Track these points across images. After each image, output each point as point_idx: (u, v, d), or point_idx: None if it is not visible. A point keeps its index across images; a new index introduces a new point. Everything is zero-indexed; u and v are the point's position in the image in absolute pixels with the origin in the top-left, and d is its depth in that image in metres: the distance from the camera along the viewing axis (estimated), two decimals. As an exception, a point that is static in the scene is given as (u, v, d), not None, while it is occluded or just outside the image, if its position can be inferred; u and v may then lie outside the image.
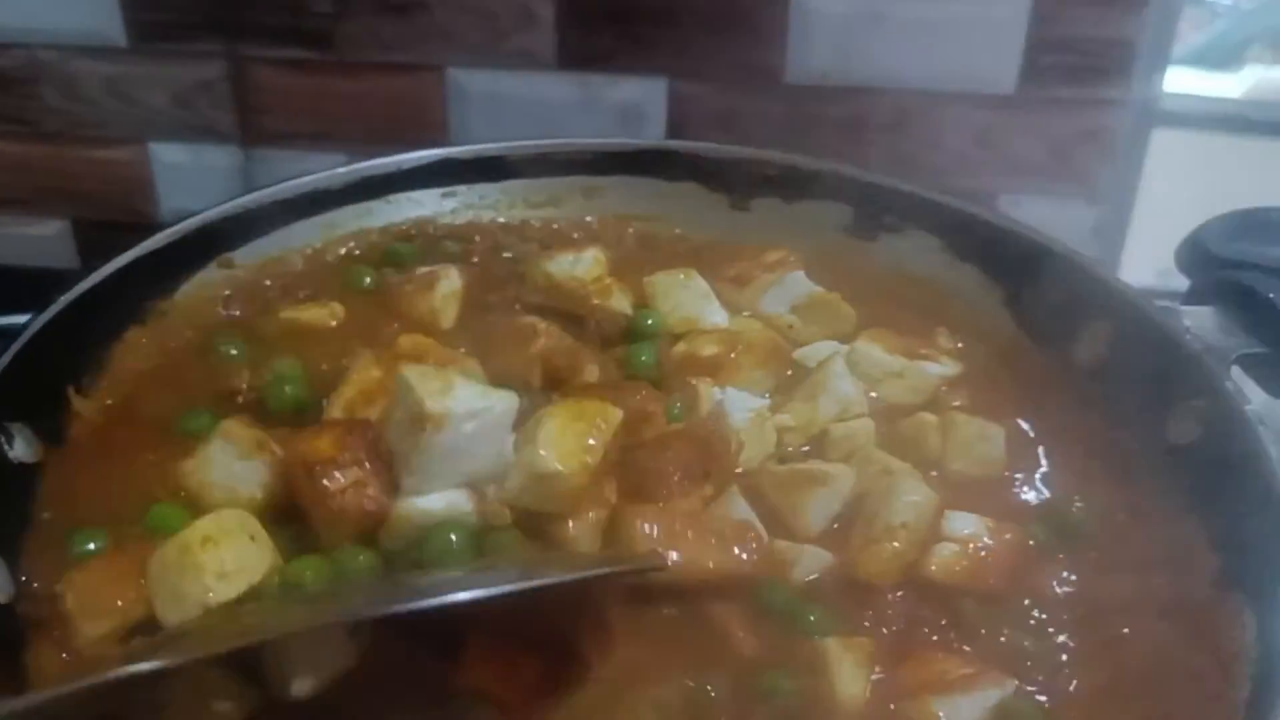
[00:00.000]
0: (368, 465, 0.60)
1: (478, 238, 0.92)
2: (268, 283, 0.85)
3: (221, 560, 0.56)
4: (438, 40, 1.27)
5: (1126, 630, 0.63)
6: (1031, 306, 0.83)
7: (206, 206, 1.34)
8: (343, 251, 0.88)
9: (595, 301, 0.81)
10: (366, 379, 0.69)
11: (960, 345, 0.82)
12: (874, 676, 0.59)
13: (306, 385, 0.72)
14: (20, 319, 1.18)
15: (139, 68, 1.33)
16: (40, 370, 0.69)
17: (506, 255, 0.91)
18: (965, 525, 0.65)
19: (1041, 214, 1.28)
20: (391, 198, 0.92)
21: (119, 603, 0.57)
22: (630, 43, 1.25)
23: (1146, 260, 1.32)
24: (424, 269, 0.83)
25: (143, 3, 1.28)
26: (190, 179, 1.39)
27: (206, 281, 0.83)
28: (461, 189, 0.94)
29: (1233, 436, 0.65)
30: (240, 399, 0.72)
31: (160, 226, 1.36)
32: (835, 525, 0.68)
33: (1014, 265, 0.84)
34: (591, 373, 0.74)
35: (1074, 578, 0.65)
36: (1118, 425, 0.74)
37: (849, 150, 1.27)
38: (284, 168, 1.35)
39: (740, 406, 0.74)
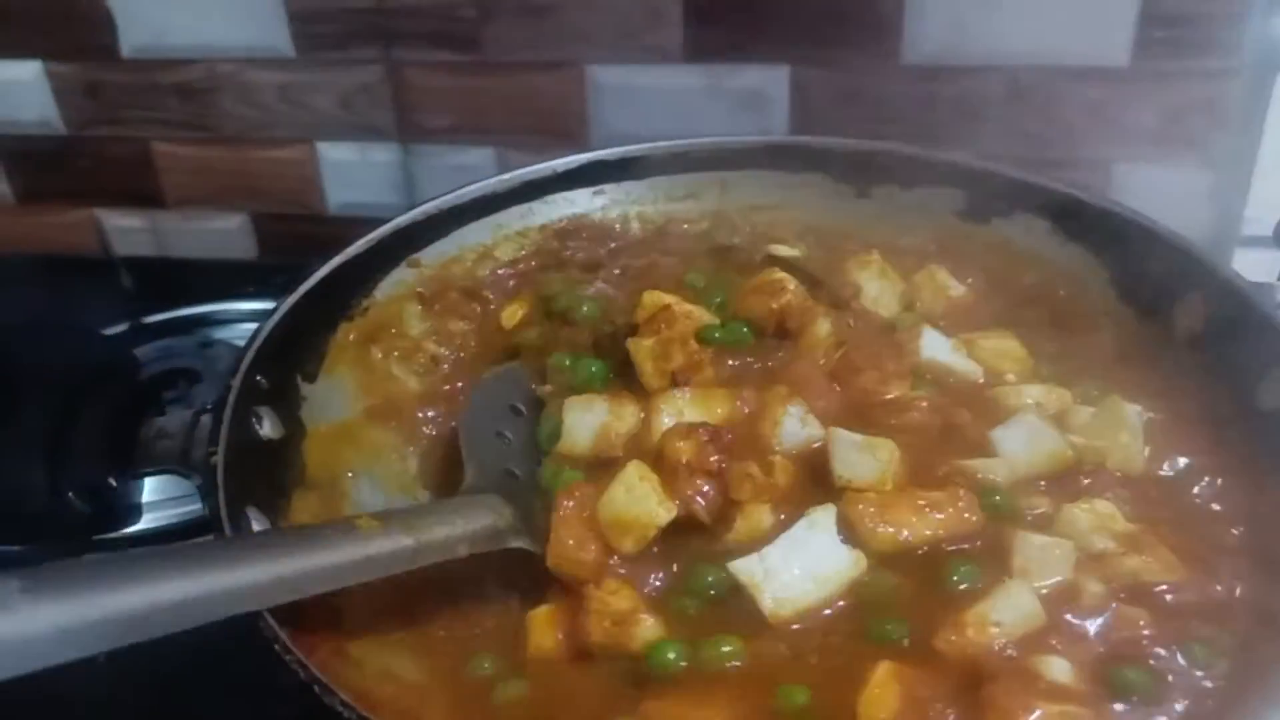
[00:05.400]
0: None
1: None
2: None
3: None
4: (574, 39, 1.38)
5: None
6: (1134, 282, 0.90)
7: (370, 199, 1.51)
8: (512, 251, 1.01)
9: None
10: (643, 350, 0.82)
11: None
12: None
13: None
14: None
15: (306, 75, 1.47)
16: (275, 361, 0.82)
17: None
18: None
19: (1156, 181, 1.34)
20: (549, 198, 1.03)
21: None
22: (752, 33, 1.34)
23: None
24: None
25: (308, 17, 1.42)
26: (354, 174, 1.54)
27: (399, 279, 0.96)
28: (609, 187, 1.05)
29: (1316, 403, 0.72)
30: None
31: (329, 218, 1.54)
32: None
33: (1116, 244, 0.91)
34: (823, 327, 0.85)
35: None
36: (1212, 392, 0.81)
37: (965, 126, 1.34)
38: (439, 161, 1.49)
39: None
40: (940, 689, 0.61)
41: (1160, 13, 1.24)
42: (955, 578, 0.68)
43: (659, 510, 0.71)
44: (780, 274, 0.88)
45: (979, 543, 0.70)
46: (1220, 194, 1.35)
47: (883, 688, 0.61)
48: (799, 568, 0.69)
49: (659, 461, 0.74)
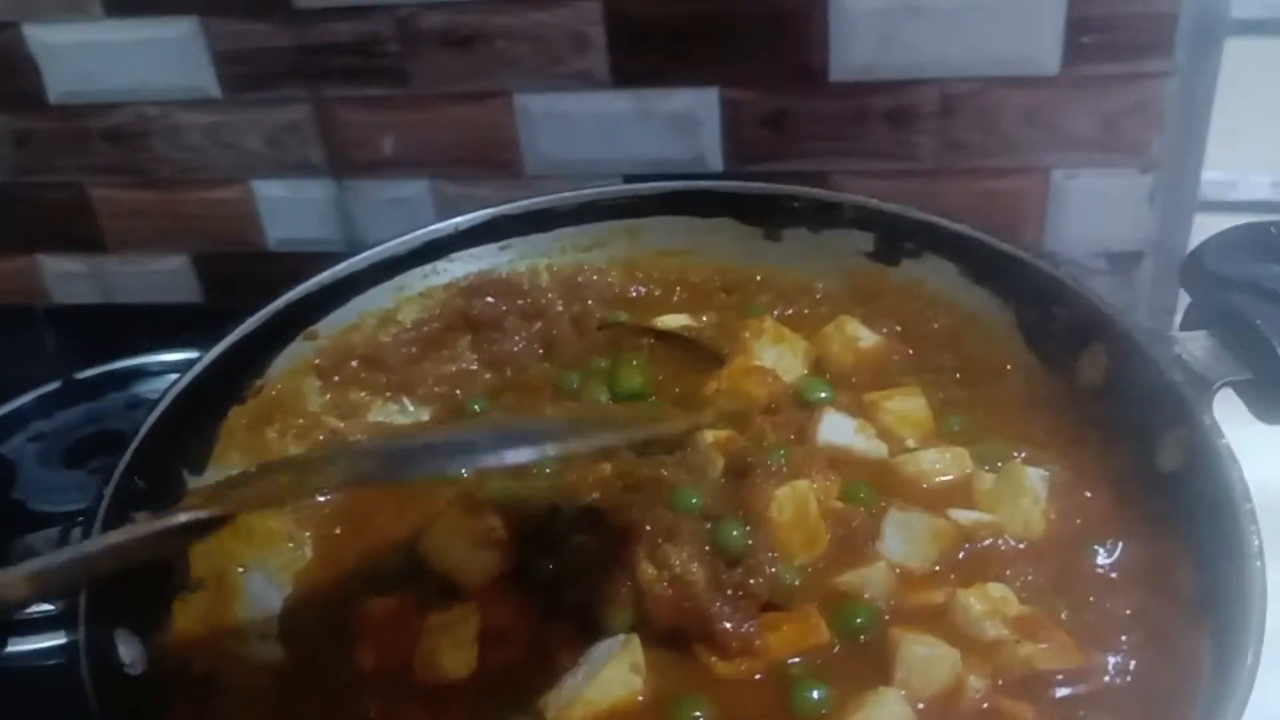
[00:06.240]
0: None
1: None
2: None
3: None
4: (501, 68, 1.35)
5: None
6: (1039, 329, 0.88)
7: (310, 234, 1.49)
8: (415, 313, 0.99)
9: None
10: None
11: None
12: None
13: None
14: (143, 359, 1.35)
15: (234, 115, 1.45)
16: (157, 459, 0.80)
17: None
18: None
19: (1096, 186, 1.31)
20: (453, 256, 1.00)
21: None
22: (679, 57, 1.31)
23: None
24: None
25: (231, 58, 1.40)
26: (291, 210, 1.52)
27: (294, 354, 0.93)
28: (516, 241, 1.02)
29: (1208, 468, 0.69)
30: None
31: (270, 254, 1.52)
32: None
33: (1021, 289, 0.89)
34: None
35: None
36: (1114, 448, 0.79)
37: (898, 140, 1.32)
38: (374, 195, 1.47)
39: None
40: None
41: (1087, 18, 1.21)
42: (803, 696, 0.66)
43: None
44: None
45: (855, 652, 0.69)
46: (1161, 195, 1.33)
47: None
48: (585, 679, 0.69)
49: None
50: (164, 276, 1.62)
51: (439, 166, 1.44)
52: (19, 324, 1.57)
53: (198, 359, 0.85)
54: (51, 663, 0.97)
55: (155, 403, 0.81)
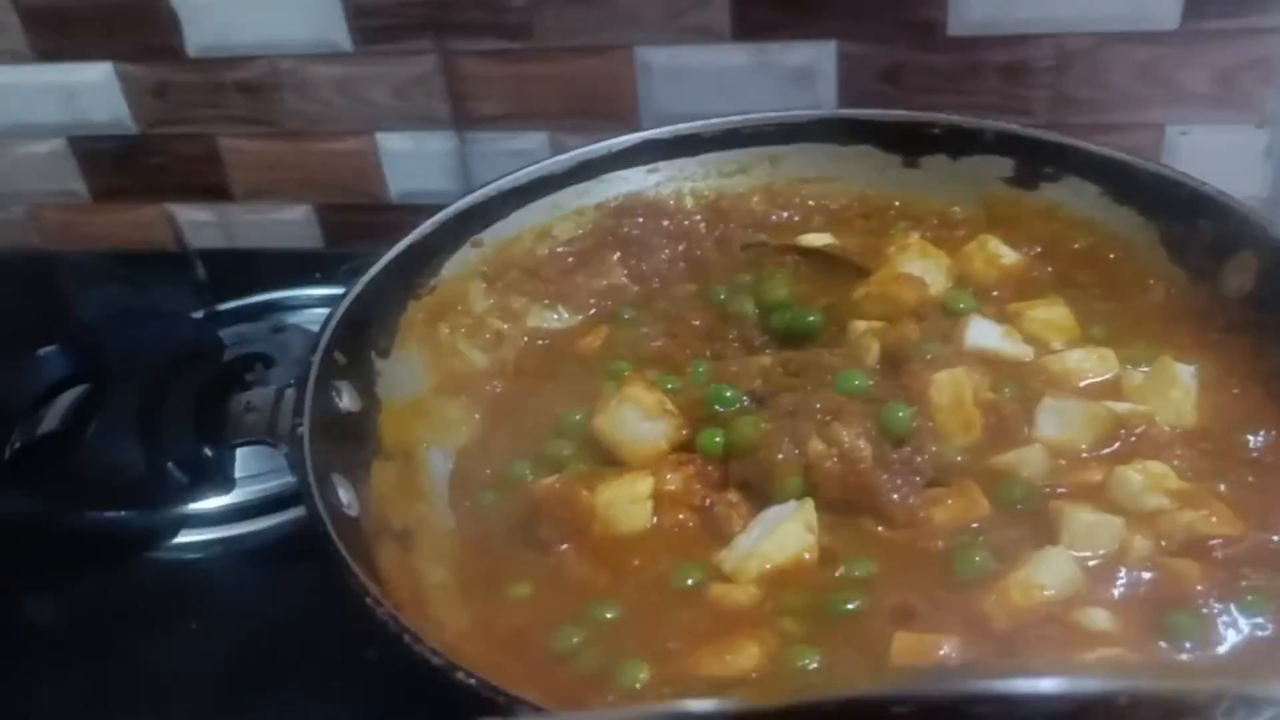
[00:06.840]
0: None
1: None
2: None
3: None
4: (622, 22, 1.40)
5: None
6: (1184, 243, 0.91)
7: (429, 187, 1.55)
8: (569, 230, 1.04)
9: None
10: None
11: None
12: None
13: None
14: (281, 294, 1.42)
15: (363, 68, 1.50)
16: (351, 339, 0.86)
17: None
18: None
19: (1211, 142, 1.33)
20: (604, 177, 1.06)
21: None
22: (799, 10, 1.35)
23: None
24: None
25: (365, 11, 1.46)
26: (412, 163, 1.57)
27: (463, 259, 0.99)
28: (663, 164, 1.07)
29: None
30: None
31: (390, 206, 1.59)
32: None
33: (1166, 206, 0.92)
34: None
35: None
36: (1264, 348, 0.83)
37: (1014, 94, 1.35)
38: (494, 147, 1.52)
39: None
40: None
41: (1207, -28, 1.24)
42: (965, 563, 0.70)
43: None
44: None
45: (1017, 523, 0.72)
46: (1277, 151, 1.34)
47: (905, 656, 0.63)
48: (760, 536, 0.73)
49: None
50: (287, 226, 1.68)
51: (557, 119, 1.49)
52: (153, 265, 1.64)
53: (376, 257, 0.91)
54: (212, 555, 1.03)
55: (347, 291, 0.87)
